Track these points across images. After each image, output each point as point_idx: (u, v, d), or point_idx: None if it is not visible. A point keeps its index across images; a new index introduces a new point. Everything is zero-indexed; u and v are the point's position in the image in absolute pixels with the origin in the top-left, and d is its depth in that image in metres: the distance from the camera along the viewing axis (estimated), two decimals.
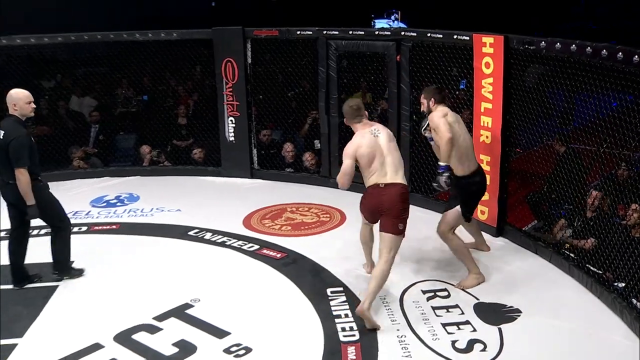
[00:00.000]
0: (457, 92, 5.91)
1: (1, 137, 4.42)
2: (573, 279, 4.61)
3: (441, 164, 4.35)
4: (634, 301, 3.96)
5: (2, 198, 4.65)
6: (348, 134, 6.78)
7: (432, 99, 4.51)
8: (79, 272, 4.84)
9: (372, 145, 4.08)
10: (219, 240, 5.49)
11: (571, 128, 5.17)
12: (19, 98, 4.48)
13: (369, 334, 3.94)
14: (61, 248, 4.75)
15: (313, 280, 4.70)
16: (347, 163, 4.06)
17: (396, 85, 6.18)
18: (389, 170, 4.08)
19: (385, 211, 4.05)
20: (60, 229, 4.73)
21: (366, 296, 4.00)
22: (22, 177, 4.39)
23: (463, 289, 4.47)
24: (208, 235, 5.59)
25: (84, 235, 5.47)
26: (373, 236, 4.61)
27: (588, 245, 4.58)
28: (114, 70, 7.79)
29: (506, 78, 5.09)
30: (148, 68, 7.69)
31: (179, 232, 5.69)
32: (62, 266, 4.77)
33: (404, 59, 6.04)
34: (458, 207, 4.51)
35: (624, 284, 4.13)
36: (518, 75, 5.04)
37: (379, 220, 4.13)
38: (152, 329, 4.07)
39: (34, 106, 4.58)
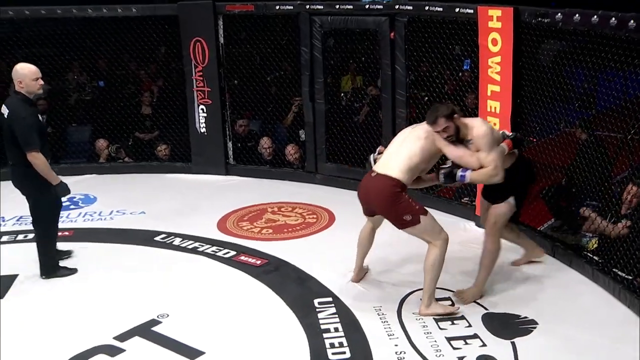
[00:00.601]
0: (460, 74, 5.91)
1: (5, 117, 4.55)
2: (597, 286, 4.57)
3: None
4: None
5: None
6: (337, 123, 6.91)
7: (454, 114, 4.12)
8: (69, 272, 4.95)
9: (399, 134, 4.34)
10: (190, 246, 5.47)
11: (594, 112, 5.13)
12: (25, 74, 4.59)
13: (361, 349, 3.90)
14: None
15: (298, 290, 4.68)
16: None
17: (390, 67, 6.17)
18: (388, 160, 4.15)
19: (374, 205, 4.20)
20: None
21: (423, 297, 4.23)
22: (37, 160, 4.54)
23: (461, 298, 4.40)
24: (177, 241, 5.57)
25: (30, 243, 5.28)
26: (372, 240, 4.61)
27: (619, 231, 4.47)
28: (63, 52, 7.65)
29: (516, 56, 5.06)
30: (104, 49, 7.63)
31: (143, 237, 5.66)
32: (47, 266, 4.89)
33: (399, 37, 6.02)
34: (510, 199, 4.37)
35: None
36: (530, 53, 5.01)
37: None
38: (112, 351, 3.98)
39: (42, 82, 4.68)
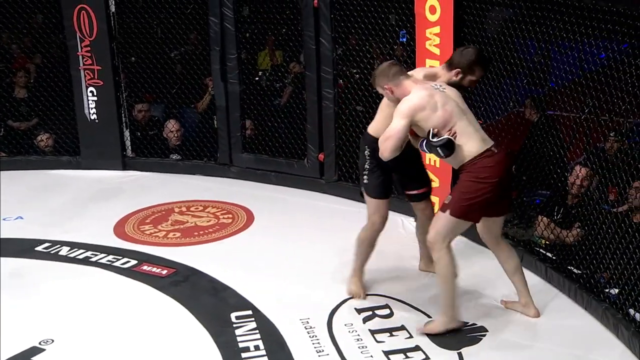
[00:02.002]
0: (395, 47, 5.92)
1: None
2: (551, 286, 4.70)
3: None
4: (632, 312, 4.01)
5: None
6: (254, 107, 6.89)
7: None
8: None
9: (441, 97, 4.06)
10: (80, 256, 5.39)
11: (546, 90, 5.25)
12: None
13: None
14: None
15: (212, 302, 4.68)
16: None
17: (314, 40, 6.19)
18: (479, 129, 4.10)
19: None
20: None
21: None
22: None
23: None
24: (64, 250, 5.48)
25: None
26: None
27: (572, 238, 4.62)
28: None
29: (457, 26, 5.12)
30: None
31: (21, 248, 5.55)
32: None
33: (323, 4, 6.05)
34: None
35: (617, 290, 4.20)
36: (474, 22, 5.07)
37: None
38: None
39: None
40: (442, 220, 4.03)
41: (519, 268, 4.37)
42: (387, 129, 4.00)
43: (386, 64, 4.20)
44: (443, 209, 4.03)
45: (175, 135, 7.25)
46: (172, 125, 7.26)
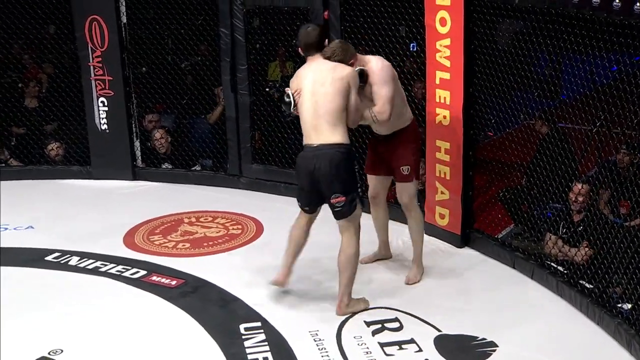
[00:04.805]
0: (405, 59, 5.91)
1: None
2: (563, 300, 4.67)
3: None
4: None
5: None
6: (264, 118, 6.87)
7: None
8: None
9: None
10: (90, 266, 5.39)
11: (557, 102, 5.23)
12: None
13: None
14: None
15: (221, 314, 4.67)
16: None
17: None
18: None
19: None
20: None
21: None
22: None
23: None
24: (74, 260, 5.48)
25: None
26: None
27: (580, 258, 4.60)
28: None
29: (468, 39, 5.11)
30: None
31: (31, 257, 5.55)
32: None
33: (334, 16, 6.05)
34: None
35: (630, 305, 4.16)
36: (484, 34, 5.06)
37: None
38: None
39: None
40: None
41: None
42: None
43: (339, 41, 4.63)
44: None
45: (161, 144, 7.22)
46: (159, 135, 7.22)
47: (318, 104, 4.31)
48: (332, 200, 4.33)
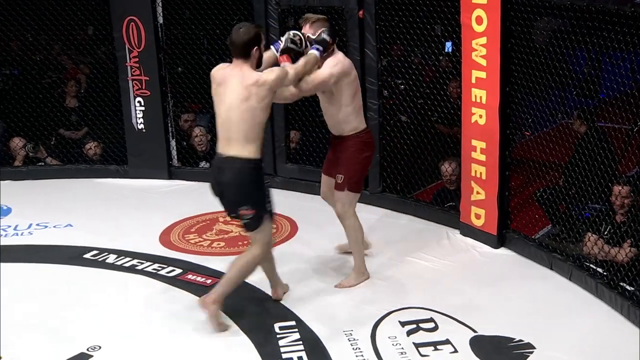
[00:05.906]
0: (441, 58, 5.87)
1: None
2: (603, 302, 4.61)
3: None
4: None
5: None
6: (298, 117, 6.87)
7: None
8: None
9: None
10: (127, 264, 5.42)
11: (596, 101, 5.17)
12: None
13: None
14: None
15: (256, 312, 4.68)
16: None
17: (359, 51, 6.16)
18: None
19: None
20: None
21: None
22: None
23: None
24: (112, 258, 5.52)
25: None
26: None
27: (622, 257, 4.51)
28: None
29: (505, 37, 5.08)
30: (16, 29, 7.49)
31: (70, 255, 5.60)
32: None
33: (369, 15, 6.03)
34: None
35: None
36: (522, 32, 5.03)
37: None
38: None
39: None
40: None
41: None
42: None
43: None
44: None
45: (201, 141, 7.25)
46: (199, 131, 7.27)
47: (231, 121, 4.15)
48: (240, 212, 4.29)
